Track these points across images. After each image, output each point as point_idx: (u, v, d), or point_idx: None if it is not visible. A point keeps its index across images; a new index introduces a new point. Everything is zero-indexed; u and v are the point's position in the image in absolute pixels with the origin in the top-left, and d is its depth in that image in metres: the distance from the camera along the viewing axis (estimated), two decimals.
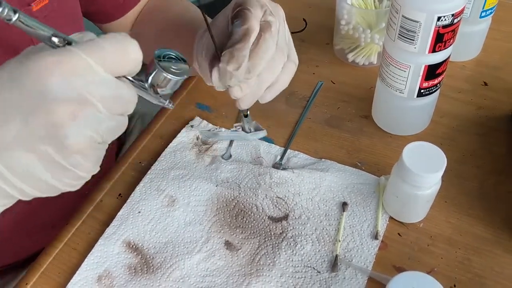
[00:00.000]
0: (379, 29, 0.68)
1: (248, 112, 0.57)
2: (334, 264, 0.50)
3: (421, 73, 0.54)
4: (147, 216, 0.55)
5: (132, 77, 0.36)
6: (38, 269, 0.52)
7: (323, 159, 0.60)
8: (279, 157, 0.60)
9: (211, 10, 0.53)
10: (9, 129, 0.31)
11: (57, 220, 0.63)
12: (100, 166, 0.36)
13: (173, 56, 0.39)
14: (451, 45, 0.53)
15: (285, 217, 0.54)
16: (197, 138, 0.63)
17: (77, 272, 0.51)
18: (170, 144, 0.62)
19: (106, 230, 0.54)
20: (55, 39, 0.31)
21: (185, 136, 0.63)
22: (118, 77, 0.33)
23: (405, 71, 0.55)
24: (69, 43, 0.32)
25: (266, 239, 0.52)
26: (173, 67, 0.38)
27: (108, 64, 0.32)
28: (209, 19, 0.50)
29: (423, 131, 0.62)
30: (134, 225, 0.54)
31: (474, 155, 0.59)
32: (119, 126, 0.34)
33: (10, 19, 0.29)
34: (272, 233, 0.53)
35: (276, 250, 0.51)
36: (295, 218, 0.54)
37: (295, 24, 0.80)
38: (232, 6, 0.48)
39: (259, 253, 0.51)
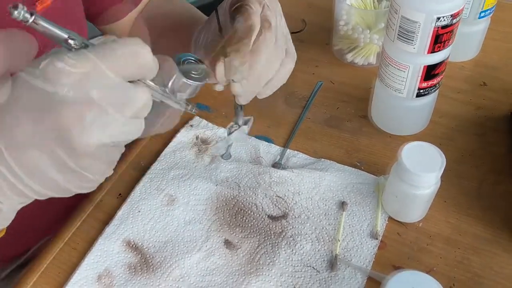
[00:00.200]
0: (378, 30, 0.68)
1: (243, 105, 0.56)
2: (333, 263, 0.50)
3: (420, 74, 0.54)
4: (147, 216, 0.55)
5: (152, 81, 0.35)
6: (38, 268, 0.52)
7: (322, 159, 0.60)
8: (278, 157, 0.61)
9: (211, 10, 0.53)
10: (23, 130, 0.31)
11: (57, 220, 0.63)
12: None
13: (193, 61, 0.39)
14: (450, 45, 0.53)
15: (285, 216, 0.54)
16: (197, 138, 0.63)
17: (77, 271, 0.51)
18: (170, 143, 0.62)
19: (106, 229, 0.54)
20: (71, 41, 0.31)
21: (185, 136, 0.63)
22: (133, 81, 0.33)
23: (404, 72, 0.55)
24: (86, 46, 0.32)
25: (266, 238, 0.52)
26: (193, 72, 0.38)
27: (119, 68, 0.32)
28: (206, 17, 0.50)
29: (422, 131, 0.63)
30: (134, 225, 0.54)
31: (473, 155, 0.59)
32: (133, 129, 0.34)
33: (27, 21, 0.29)
34: (272, 232, 0.53)
35: (276, 249, 0.51)
36: (295, 217, 0.54)
37: (294, 24, 0.80)
38: (230, 1, 0.49)
39: (258, 252, 0.51)
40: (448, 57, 0.55)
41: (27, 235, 0.67)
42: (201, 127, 0.64)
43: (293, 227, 0.53)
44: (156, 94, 0.36)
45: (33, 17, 0.29)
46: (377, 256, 0.51)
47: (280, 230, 0.53)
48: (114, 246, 0.52)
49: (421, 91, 0.56)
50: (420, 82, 0.55)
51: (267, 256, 0.51)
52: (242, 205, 0.55)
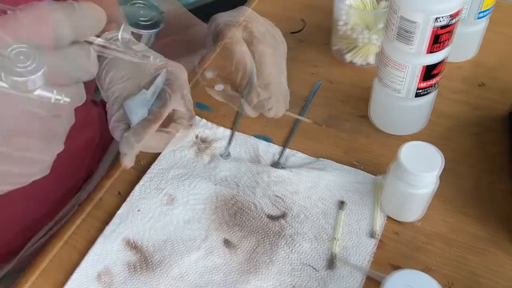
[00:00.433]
0: (377, 30, 0.68)
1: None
2: (331, 262, 0.50)
3: (418, 74, 0.55)
4: (147, 214, 0.55)
5: (108, 38, 0.33)
6: (38, 267, 0.52)
7: (321, 158, 0.60)
8: (277, 156, 0.61)
9: (211, 10, 0.54)
10: None
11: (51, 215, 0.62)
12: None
13: (142, 4, 0.35)
14: (448, 45, 0.53)
15: (283, 215, 0.54)
16: (196, 137, 0.63)
17: (77, 269, 0.51)
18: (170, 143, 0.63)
19: (105, 228, 0.54)
20: None
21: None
22: (77, 42, 0.31)
23: (402, 72, 0.55)
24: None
25: (265, 237, 0.53)
26: (142, 18, 0.35)
27: (26, 35, 0.29)
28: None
29: (420, 131, 0.63)
30: (134, 223, 0.54)
31: (471, 155, 0.60)
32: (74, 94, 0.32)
33: None
34: (270, 231, 0.53)
35: (274, 248, 0.51)
36: (293, 216, 0.54)
37: (293, 24, 0.80)
38: (212, 37, 0.49)
39: (257, 251, 0.51)
40: (446, 58, 0.55)
41: (17, 233, 0.66)
42: (200, 126, 0.65)
43: (291, 226, 0.53)
44: (107, 51, 0.33)
45: None
46: (375, 255, 0.51)
47: (279, 229, 0.53)
48: (114, 245, 0.53)
49: (420, 91, 0.57)
50: (419, 82, 0.55)
51: (265, 255, 0.51)
52: (241, 205, 0.56)
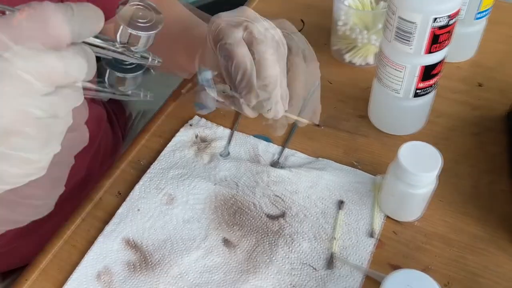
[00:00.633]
0: (376, 30, 0.68)
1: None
2: (330, 261, 0.50)
3: (417, 74, 0.55)
4: (146, 214, 0.55)
5: (101, 39, 0.32)
6: (38, 266, 0.52)
7: (320, 158, 0.60)
8: (277, 156, 0.61)
9: (211, 10, 0.54)
10: None
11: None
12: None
13: (141, 6, 0.35)
14: (447, 46, 0.53)
15: (282, 215, 0.55)
16: (196, 136, 0.64)
17: (77, 269, 0.51)
18: (170, 143, 0.63)
19: (105, 228, 0.54)
20: None
21: (184, 135, 0.64)
22: (75, 43, 0.31)
23: (401, 72, 0.55)
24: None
25: (264, 237, 0.53)
26: (140, 20, 0.34)
27: (23, 38, 0.29)
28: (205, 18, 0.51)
29: (419, 131, 0.63)
30: (133, 223, 0.54)
31: (469, 155, 0.60)
32: (64, 99, 0.31)
33: None
34: (269, 231, 0.53)
35: (273, 247, 0.52)
36: (292, 216, 0.54)
37: (293, 24, 0.80)
38: (212, 37, 0.50)
39: (256, 250, 0.52)
40: (445, 58, 0.55)
41: (23, 248, 0.67)
42: (200, 126, 0.65)
43: (290, 225, 0.53)
44: (105, 51, 0.33)
45: None
46: (373, 254, 0.51)
47: (278, 229, 0.53)
48: (114, 244, 0.53)
49: (419, 91, 0.57)
50: (417, 82, 0.56)
51: (265, 254, 0.51)
52: (241, 204, 0.56)
